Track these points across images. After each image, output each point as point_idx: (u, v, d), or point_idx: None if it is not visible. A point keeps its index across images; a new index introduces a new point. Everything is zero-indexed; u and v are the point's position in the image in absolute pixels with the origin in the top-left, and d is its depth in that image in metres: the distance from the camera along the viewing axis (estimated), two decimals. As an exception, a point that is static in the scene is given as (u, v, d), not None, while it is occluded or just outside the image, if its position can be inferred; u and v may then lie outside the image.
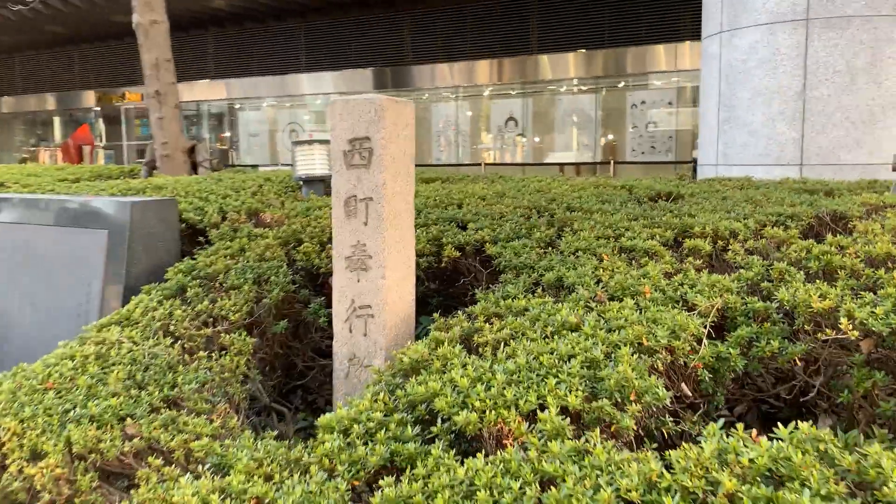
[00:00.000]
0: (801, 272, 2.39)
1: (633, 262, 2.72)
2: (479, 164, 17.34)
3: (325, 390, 3.44)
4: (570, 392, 1.76)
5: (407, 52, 18.26)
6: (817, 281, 2.26)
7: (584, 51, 16.06)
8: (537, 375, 1.87)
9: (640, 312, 2.18)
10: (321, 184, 4.65)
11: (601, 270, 2.57)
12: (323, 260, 3.16)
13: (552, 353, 1.96)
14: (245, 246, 3.32)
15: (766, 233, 2.78)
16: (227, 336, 2.73)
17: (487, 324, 2.36)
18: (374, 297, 2.74)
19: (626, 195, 4.00)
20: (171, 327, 2.76)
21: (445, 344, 2.23)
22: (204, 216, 3.77)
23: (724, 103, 6.65)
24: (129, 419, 2.19)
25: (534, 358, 1.97)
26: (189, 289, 2.99)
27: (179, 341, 2.72)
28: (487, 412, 1.75)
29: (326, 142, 4.68)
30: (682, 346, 2.01)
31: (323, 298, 3.09)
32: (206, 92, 20.73)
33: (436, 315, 2.59)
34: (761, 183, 4.41)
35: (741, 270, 2.48)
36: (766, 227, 2.90)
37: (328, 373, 3.58)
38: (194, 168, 6.29)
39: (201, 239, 3.58)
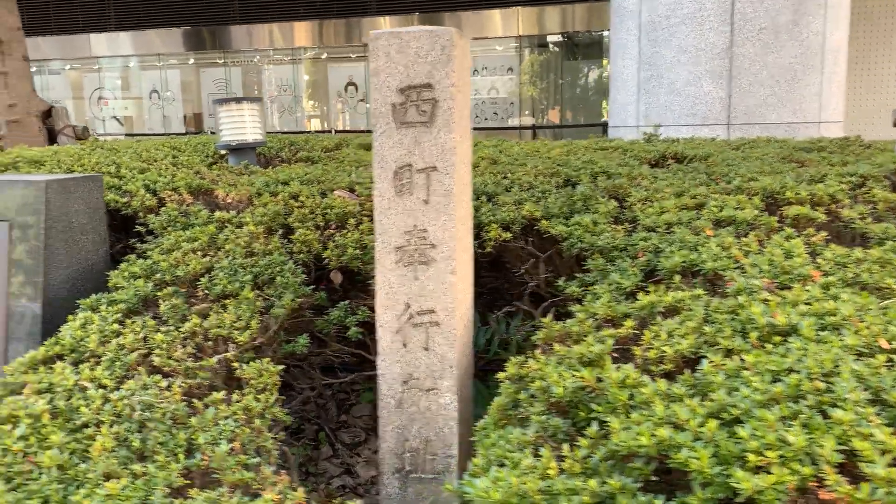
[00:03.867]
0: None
1: (739, 236, 2.26)
2: (330, 131, 16.22)
3: (341, 421, 2.71)
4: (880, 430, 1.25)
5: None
6: None
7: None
8: (807, 406, 1.33)
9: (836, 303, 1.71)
10: (251, 152, 3.77)
11: (731, 249, 2.08)
12: (333, 251, 2.41)
13: (790, 372, 1.44)
14: (213, 236, 2.48)
15: (875, 195, 2.42)
16: (246, 367, 1.94)
17: (633, 331, 1.80)
18: (439, 299, 2.07)
19: (624, 157, 3.55)
20: (156, 359, 1.92)
21: (607, 363, 1.64)
22: (131, 198, 2.83)
23: (646, 62, 6.42)
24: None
25: (773, 379, 1.43)
26: (162, 300, 2.13)
27: (170, 379, 1.90)
28: (776, 471, 1.20)
29: (257, 99, 3.80)
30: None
31: (347, 303, 2.34)
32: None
33: (546, 319, 1.98)
34: (742, 142, 4.15)
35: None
36: (859, 188, 2.55)
37: (341, 399, 2.83)
38: (51, 138, 5.04)
39: (140, 229, 2.66)
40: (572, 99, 15.25)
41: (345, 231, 2.51)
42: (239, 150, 3.71)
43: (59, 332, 2.09)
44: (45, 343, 2.05)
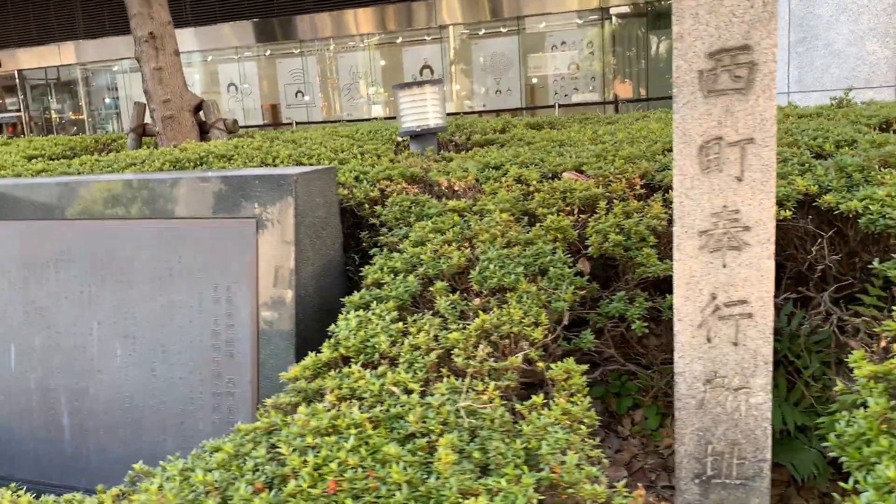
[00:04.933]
0: None
1: None
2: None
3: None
4: None
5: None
6: None
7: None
8: None
9: None
10: (433, 137, 3.62)
11: None
12: (595, 238, 2.22)
13: None
14: (460, 226, 2.33)
15: None
16: (553, 367, 1.78)
17: None
18: (753, 288, 1.86)
19: (840, 124, 3.23)
20: (457, 360, 1.78)
21: None
22: (351, 190, 2.71)
23: (797, 23, 5.99)
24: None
25: None
26: (437, 296, 1.99)
27: (474, 380, 1.75)
28: None
29: (438, 82, 3.64)
30: None
31: (623, 294, 2.16)
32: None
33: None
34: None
35: None
36: None
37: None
38: (202, 132, 5.03)
39: (374, 221, 2.54)
40: (657, 71, 14.63)
41: (596, 216, 2.32)
42: (421, 135, 3.57)
43: (334, 333, 1.98)
44: (325, 345, 1.94)
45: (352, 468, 1.52)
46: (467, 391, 1.71)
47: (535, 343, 1.87)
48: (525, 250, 2.14)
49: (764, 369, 1.88)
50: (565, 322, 1.99)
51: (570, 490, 1.50)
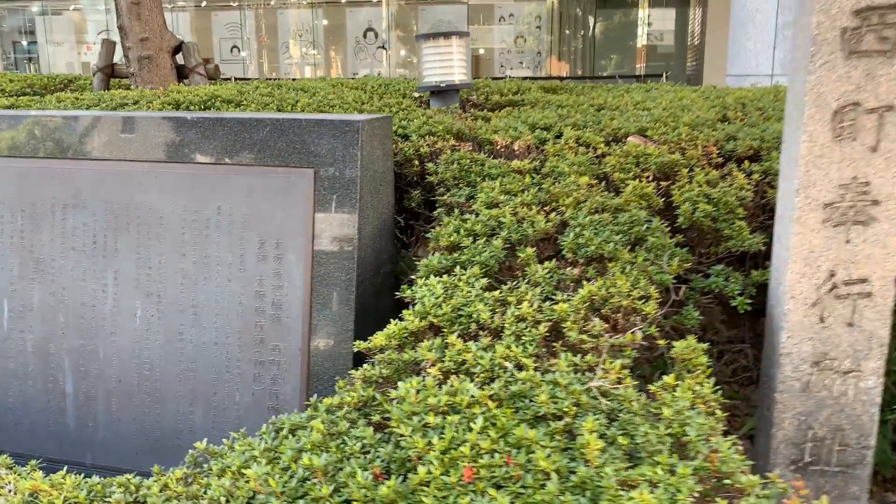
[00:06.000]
0: None
1: None
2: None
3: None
4: None
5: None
6: None
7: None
8: None
9: None
10: (455, 94, 3.39)
11: None
12: (686, 207, 2.07)
13: None
14: (531, 187, 2.14)
15: None
16: (676, 344, 1.62)
17: None
18: (875, 267, 1.75)
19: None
20: (570, 334, 1.61)
21: None
22: (396, 144, 2.47)
23: (787, 4, 5.98)
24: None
25: None
26: (530, 263, 1.81)
27: (590, 357, 1.58)
28: None
29: (465, 34, 3.40)
30: None
31: (721, 268, 2.02)
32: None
33: None
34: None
35: None
36: None
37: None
38: (180, 76, 4.62)
39: (431, 179, 2.31)
40: (604, 49, 14.65)
41: (678, 184, 2.18)
42: (443, 92, 3.33)
43: (415, 301, 1.77)
44: (407, 313, 1.72)
45: (486, 453, 1.33)
46: (592, 370, 1.54)
47: (647, 318, 1.71)
48: (616, 217, 1.98)
49: (878, 352, 1.79)
50: (674, 297, 1.84)
51: (727, 481, 1.35)
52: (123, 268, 2.19)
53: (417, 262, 2.37)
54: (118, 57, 4.84)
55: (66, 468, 1.64)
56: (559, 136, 2.58)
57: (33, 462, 1.61)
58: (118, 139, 2.19)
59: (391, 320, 1.71)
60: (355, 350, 1.74)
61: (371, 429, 1.43)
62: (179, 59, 4.71)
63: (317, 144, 2.00)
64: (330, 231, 2.00)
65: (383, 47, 16.76)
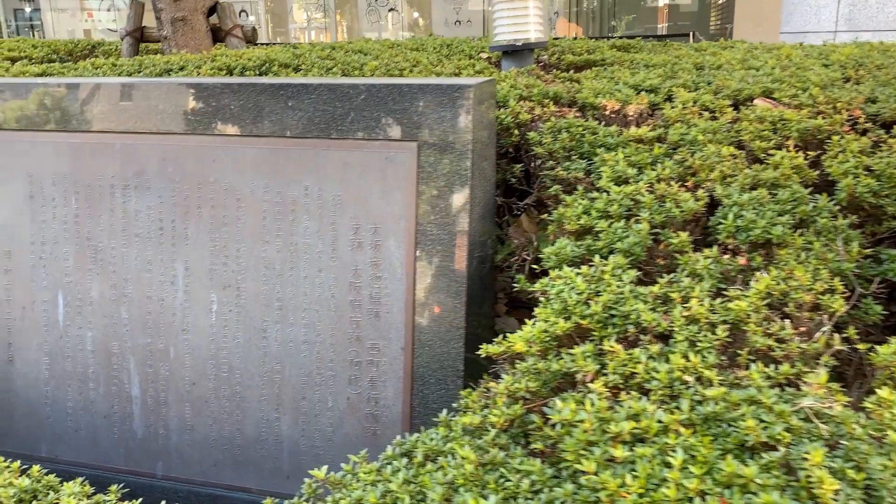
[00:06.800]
0: None
1: None
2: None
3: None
4: None
5: None
6: None
7: None
8: None
9: None
10: (530, 55, 3.08)
11: None
12: (848, 180, 1.78)
13: None
14: (669, 161, 1.85)
15: None
16: (879, 349, 1.35)
17: None
18: None
19: None
20: (755, 339, 1.34)
21: None
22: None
23: (855, -46, 5.57)
24: None
25: None
26: (680, 252, 1.53)
27: (778, 366, 1.32)
28: None
29: (540, -13, 3.08)
30: None
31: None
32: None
33: None
34: None
35: None
36: None
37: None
38: (216, 39, 4.32)
39: (539, 150, 2.03)
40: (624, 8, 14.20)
41: (828, 153, 1.89)
42: (518, 52, 3.03)
43: (549, 297, 1.50)
44: (546, 312, 1.46)
45: (695, 495, 1.07)
46: (791, 383, 1.27)
47: (834, 316, 1.44)
48: (774, 194, 1.69)
49: None
50: (860, 290, 1.56)
51: None
52: (195, 256, 1.93)
53: (513, 246, 2.10)
54: (148, 20, 4.53)
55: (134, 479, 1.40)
56: (668, 99, 2.28)
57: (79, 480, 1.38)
58: (184, 110, 1.92)
59: (500, 315, 1.46)
60: (483, 355, 1.48)
61: (538, 461, 1.18)
62: (213, 20, 4.41)
63: (421, 113, 1.72)
64: (437, 214, 1.73)
65: (394, 9, 16.43)
